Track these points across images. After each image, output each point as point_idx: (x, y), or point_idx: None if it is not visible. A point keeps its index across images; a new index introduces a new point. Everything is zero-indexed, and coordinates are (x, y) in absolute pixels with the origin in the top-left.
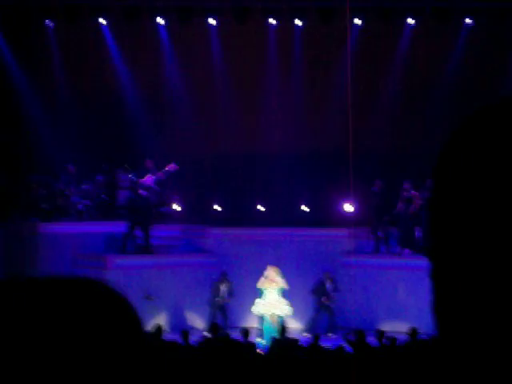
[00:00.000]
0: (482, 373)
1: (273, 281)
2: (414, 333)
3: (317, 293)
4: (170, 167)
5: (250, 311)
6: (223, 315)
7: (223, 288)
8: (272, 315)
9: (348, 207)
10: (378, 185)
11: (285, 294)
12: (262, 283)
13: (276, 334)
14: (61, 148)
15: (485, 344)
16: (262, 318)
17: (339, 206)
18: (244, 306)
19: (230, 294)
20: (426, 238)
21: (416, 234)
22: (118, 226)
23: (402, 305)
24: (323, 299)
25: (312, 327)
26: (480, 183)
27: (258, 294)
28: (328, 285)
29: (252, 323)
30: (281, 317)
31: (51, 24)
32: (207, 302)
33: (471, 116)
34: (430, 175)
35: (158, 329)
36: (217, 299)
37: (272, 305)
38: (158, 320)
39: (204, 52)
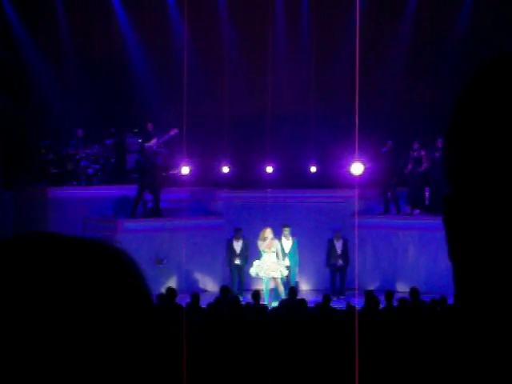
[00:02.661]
0: (499, 340)
1: (267, 242)
2: (414, 293)
3: (328, 254)
4: (172, 132)
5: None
6: (239, 278)
7: (237, 245)
8: (271, 277)
9: (357, 168)
10: (388, 146)
11: (295, 252)
12: (260, 244)
13: (280, 295)
14: (69, 113)
15: (504, 312)
16: (263, 280)
17: (348, 167)
18: None
19: (245, 252)
20: (443, 205)
21: (426, 193)
22: (128, 190)
23: (412, 265)
24: (338, 262)
25: (331, 289)
26: (498, 133)
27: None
28: (338, 243)
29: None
30: (282, 278)
31: None
32: (222, 263)
33: (486, 65)
34: (440, 135)
35: (171, 291)
36: (235, 262)
37: (268, 267)
38: (170, 283)
39: (211, 14)
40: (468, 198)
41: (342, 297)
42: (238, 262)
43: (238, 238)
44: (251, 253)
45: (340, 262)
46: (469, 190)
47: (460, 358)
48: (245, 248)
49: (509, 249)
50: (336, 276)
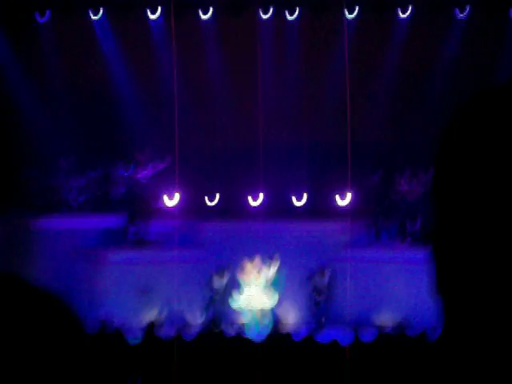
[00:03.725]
0: (484, 363)
1: (255, 273)
2: (401, 328)
3: (309, 287)
4: (161, 165)
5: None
6: (217, 311)
7: (220, 282)
8: (256, 310)
9: (343, 200)
10: (379, 174)
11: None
12: (245, 277)
13: (262, 328)
14: (54, 142)
15: (488, 334)
16: (244, 313)
17: (335, 198)
18: None
19: (226, 289)
20: (429, 226)
21: (413, 226)
22: (115, 221)
23: (398, 298)
24: (320, 296)
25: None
26: (479, 165)
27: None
28: (318, 279)
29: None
30: (269, 310)
31: (43, 17)
32: (203, 296)
33: (467, 101)
34: (428, 166)
35: (151, 325)
36: (214, 295)
37: (251, 298)
38: (154, 314)
39: (198, 45)
40: (456, 231)
41: (322, 330)
42: (217, 298)
43: (221, 276)
44: (233, 286)
45: (320, 297)
46: (456, 222)
47: None
48: (227, 285)
49: (497, 277)
50: (318, 310)
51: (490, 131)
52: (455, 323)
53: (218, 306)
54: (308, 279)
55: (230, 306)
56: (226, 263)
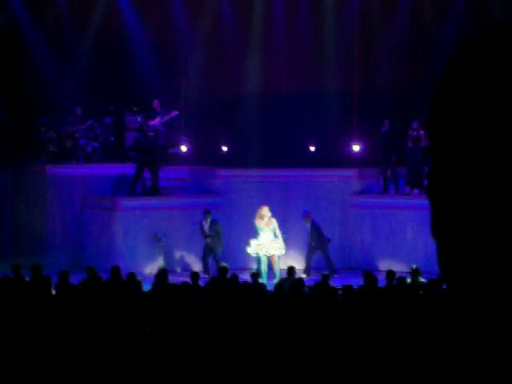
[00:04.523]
0: (485, 314)
1: (265, 220)
2: (415, 272)
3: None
4: (173, 113)
5: (245, 251)
6: (205, 256)
7: (206, 226)
8: (270, 255)
9: (355, 147)
10: (386, 125)
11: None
12: (258, 222)
13: (276, 274)
14: (68, 90)
15: (489, 288)
16: (258, 259)
17: (347, 146)
18: None
19: (212, 233)
20: (427, 179)
21: (424, 172)
22: (127, 168)
23: (411, 245)
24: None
25: (307, 268)
26: (475, 113)
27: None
28: (308, 225)
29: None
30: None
31: None
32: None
33: (460, 49)
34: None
35: (163, 271)
36: (207, 240)
37: (267, 245)
38: (168, 261)
39: None
40: (451, 170)
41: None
42: (207, 241)
43: (206, 220)
44: (249, 231)
45: (312, 243)
46: (452, 161)
47: (451, 340)
48: (214, 228)
49: (491, 219)
50: (311, 256)
51: (488, 75)
52: (450, 268)
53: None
54: (323, 224)
55: (245, 252)
56: (238, 210)
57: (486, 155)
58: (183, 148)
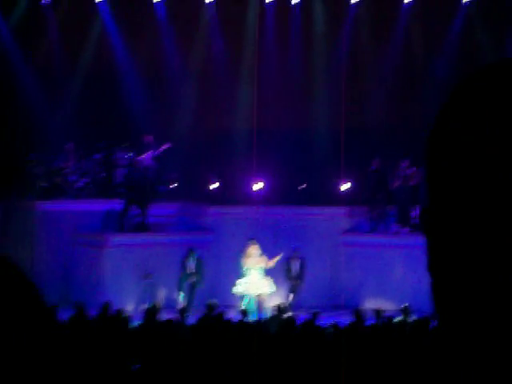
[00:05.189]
0: (482, 357)
1: (255, 258)
2: (406, 311)
3: (284, 272)
4: (164, 146)
5: (231, 292)
6: (190, 294)
7: (190, 264)
8: (258, 295)
9: (345, 185)
10: (375, 163)
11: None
12: (245, 262)
13: (265, 313)
14: (58, 126)
15: (484, 330)
16: (245, 298)
17: (336, 184)
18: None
19: (198, 270)
20: (423, 218)
21: (413, 212)
22: (117, 204)
23: (399, 283)
24: (291, 282)
25: (289, 306)
26: (473, 149)
27: (241, 273)
28: (295, 265)
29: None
30: (268, 295)
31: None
32: (207, 280)
33: (458, 86)
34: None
35: (154, 308)
36: (189, 278)
37: (255, 284)
38: (157, 298)
39: (201, 28)
40: (448, 209)
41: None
42: (193, 279)
43: (189, 257)
44: (235, 271)
45: (294, 281)
46: (448, 200)
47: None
48: (199, 266)
49: (487, 255)
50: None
51: (483, 114)
52: (444, 305)
53: (191, 288)
54: (311, 261)
55: (233, 291)
56: (227, 247)
57: (485, 195)
58: (172, 185)
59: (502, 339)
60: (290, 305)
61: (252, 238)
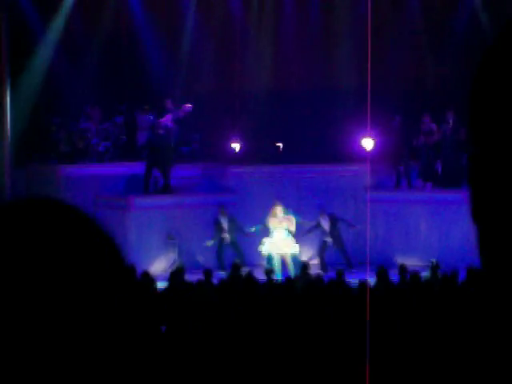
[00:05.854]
0: None
1: (279, 219)
2: (435, 266)
3: (312, 230)
4: (186, 108)
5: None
6: (237, 252)
7: (224, 222)
8: (283, 254)
9: (368, 142)
10: (397, 119)
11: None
12: (270, 222)
13: (291, 272)
14: (79, 90)
15: None
16: (270, 257)
17: (359, 141)
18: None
19: (233, 228)
20: (467, 168)
21: (437, 167)
22: (139, 167)
23: (424, 239)
24: (327, 240)
25: (321, 265)
26: None
27: (268, 232)
28: (324, 222)
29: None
30: (295, 255)
31: None
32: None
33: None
34: (450, 108)
35: (179, 269)
36: (223, 236)
37: (279, 243)
38: (181, 260)
39: None
40: (493, 155)
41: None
42: (226, 237)
43: (223, 214)
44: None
45: (329, 239)
46: (493, 146)
47: (483, 326)
48: (232, 226)
49: None
50: (324, 251)
51: None
52: (491, 253)
53: (233, 247)
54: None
55: (259, 250)
56: (251, 207)
57: None
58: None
59: None
60: (323, 264)
61: (277, 199)
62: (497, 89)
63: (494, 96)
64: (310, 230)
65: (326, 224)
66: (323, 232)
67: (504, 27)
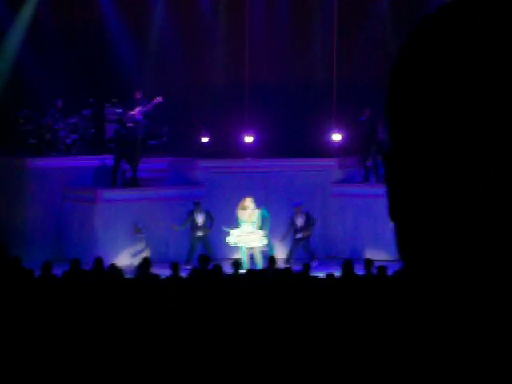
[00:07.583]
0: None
1: (248, 212)
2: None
3: (289, 229)
4: (156, 100)
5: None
6: (206, 248)
7: (199, 218)
8: (251, 247)
9: (336, 136)
10: (366, 114)
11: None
12: (240, 213)
13: (257, 265)
14: (47, 83)
15: (448, 274)
16: (239, 251)
17: (327, 135)
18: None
19: (208, 224)
20: (385, 168)
21: None
22: (107, 160)
23: (392, 233)
24: (297, 235)
25: (289, 259)
26: (434, 88)
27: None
28: (299, 220)
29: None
30: (268, 247)
31: None
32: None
33: (420, 25)
34: None
35: (146, 261)
36: (197, 234)
37: (246, 236)
38: (148, 253)
39: None
40: (410, 151)
41: (315, 262)
42: (200, 234)
43: (199, 211)
44: (226, 223)
45: (300, 234)
46: (411, 142)
47: (407, 327)
48: (208, 219)
49: (450, 201)
50: (297, 247)
51: (441, 55)
52: (407, 251)
53: (203, 242)
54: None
55: (226, 242)
56: (218, 200)
57: (444, 135)
58: (163, 139)
59: (465, 283)
60: (288, 258)
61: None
62: (415, 83)
63: (412, 90)
64: (288, 231)
65: (300, 222)
66: (296, 229)
67: (420, 21)
